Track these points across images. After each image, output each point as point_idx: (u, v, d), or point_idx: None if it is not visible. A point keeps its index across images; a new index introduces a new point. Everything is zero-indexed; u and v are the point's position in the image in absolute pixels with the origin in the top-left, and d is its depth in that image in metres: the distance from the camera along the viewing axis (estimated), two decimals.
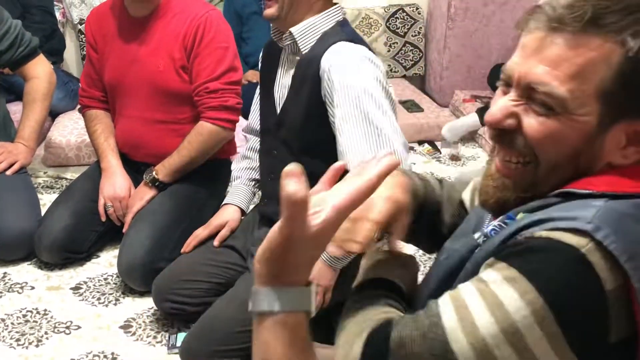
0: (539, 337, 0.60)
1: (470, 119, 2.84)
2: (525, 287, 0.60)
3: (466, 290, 0.64)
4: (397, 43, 3.42)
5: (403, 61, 3.46)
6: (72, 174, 2.40)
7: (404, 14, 3.40)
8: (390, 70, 3.44)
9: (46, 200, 2.14)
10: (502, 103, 0.69)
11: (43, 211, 1.95)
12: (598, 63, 0.64)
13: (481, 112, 2.84)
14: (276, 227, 0.56)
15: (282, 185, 0.54)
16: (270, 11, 1.39)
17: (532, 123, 0.67)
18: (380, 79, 1.37)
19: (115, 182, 1.88)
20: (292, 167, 0.54)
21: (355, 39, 1.41)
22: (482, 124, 2.82)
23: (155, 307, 1.67)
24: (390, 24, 3.39)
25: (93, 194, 1.89)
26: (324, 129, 1.41)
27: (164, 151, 1.87)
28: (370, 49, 1.41)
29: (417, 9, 3.40)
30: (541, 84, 0.65)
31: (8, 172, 1.98)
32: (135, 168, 1.93)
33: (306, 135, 1.46)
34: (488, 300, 0.61)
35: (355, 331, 0.70)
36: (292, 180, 0.53)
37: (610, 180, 0.66)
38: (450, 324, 0.62)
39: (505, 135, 0.70)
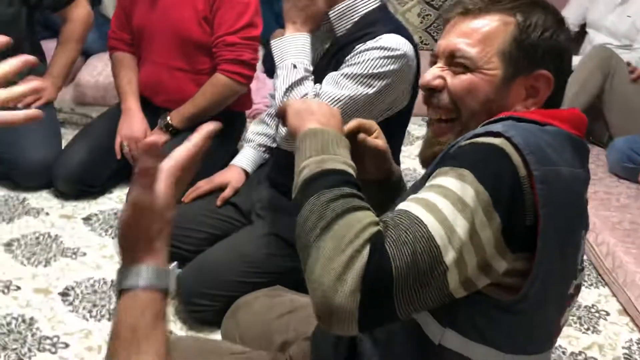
0: (483, 221, 0.72)
1: None
2: (470, 178, 0.73)
3: (428, 195, 0.75)
4: (430, 15, 3.40)
5: (435, 34, 3.43)
6: (97, 114, 2.50)
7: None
8: (421, 42, 3.42)
9: (70, 135, 2.24)
10: (432, 70, 0.91)
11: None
12: (497, 31, 0.86)
13: None
14: (127, 201, 0.61)
15: (139, 158, 0.58)
16: None
17: (454, 81, 0.87)
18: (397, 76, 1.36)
19: (133, 123, 1.97)
20: (151, 140, 0.59)
21: (399, 28, 1.40)
22: None
23: None
24: None
25: (111, 133, 1.99)
26: None
27: (183, 98, 1.95)
28: (412, 40, 1.40)
29: None
30: (457, 50, 0.87)
31: (34, 105, 2.08)
32: (154, 112, 2.02)
33: None
34: (450, 197, 0.73)
35: (346, 238, 0.71)
36: (147, 154, 0.58)
37: (513, 113, 0.84)
38: (431, 224, 0.71)
39: (434, 96, 0.90)
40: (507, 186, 0.73)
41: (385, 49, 1.35)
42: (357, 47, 1.37)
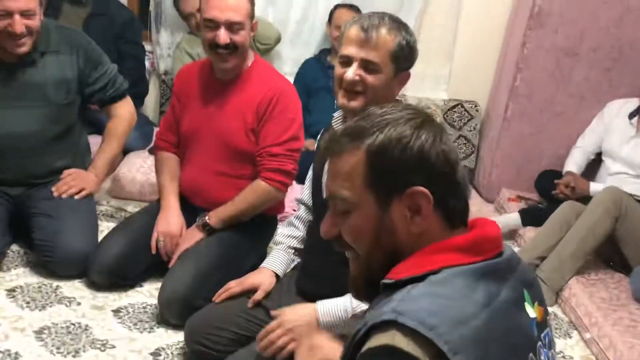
0: None
1: (512, 218, 2.91)
2: None
3: None
4: (451, 134, 3.56)
5: None
6: (132, 208, 2.59)
7: (462, 109, 3.56)
8: None
9: (104, 227, 2.32)
10: (325, 220, 0.92)
11: (100, 236, 2.13)
12: (354, 165, 0.85)
13: (524, 213, 2.91)
14: None
15: None
16: (354, 104, 1.42)
17: (343, 229, 0.88)
18: None
19: (170, 220, 2.04)
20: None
21: None
22: (524, 224, 2.89)
23: (184, 342, 1.77)
24: (447, 116, 3.55)
25: (149, 228, 2.05)
26: None
27: (221, 200, 2.03)
28: None
29: (475, 106, 3.55)
30: (334, 194, 0.87)
31: (76, 197, 2.17)
32: (191, 211, 2.10)
33: None
34: None
35: None
36: None
37: (410, 265, 0.82)
38: None
39: (339, 242, 0.91)
40: None
41: None
42: None
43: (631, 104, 2.90)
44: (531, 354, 0.80)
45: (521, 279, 0.85)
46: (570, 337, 2.23)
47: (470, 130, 3.56)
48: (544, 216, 2.68)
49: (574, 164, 3.04)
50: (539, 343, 0.83)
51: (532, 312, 0.84)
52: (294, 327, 1.49)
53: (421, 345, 0.71)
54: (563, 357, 2.09)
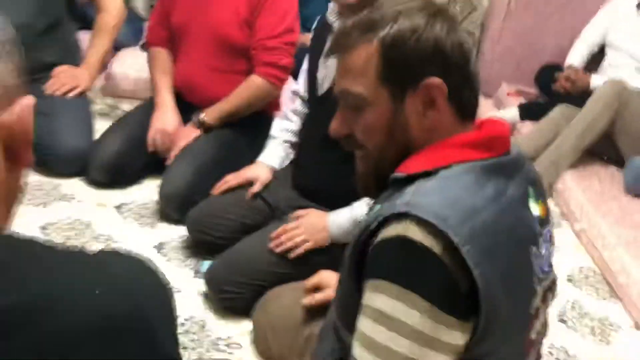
0: (425, 320, 0.73)
1: (510, 113, 2.90)
2: (395, 290, 0.74)
3: (365, 326, 0.77)
4: None
5: None
6: (126, 106, 2.56)
7: (465, 0, 3.43)
8: None
9: (100, 126, 2.29)
10: (335, 119, 0.90)
11: (96, 135, 2.12)
12: (367, 59, 0.83)
13: (522, 108, 2.90)
14: None
15: None
16: None
17: (354, 126, 0.87)
18: None
19: (166, 118, 2.03)
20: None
21: None
22: (521, 119, 2.88)
23: (186, 236, 1.82)
24: (450, 7, 3.43)
25: (145, 125, 2.04)
26: None
27: (216, 97, 2.01)
28: None
29: None
30: (345, 90, 0.86)
31: (70, 95, 2.15)
32: (187, 108, 2.07)
33: None
34: (385, 322, 0.74)
35: None
36: None
37: (421, 160, 0.83)
38: None
39: (348, 141, 0.90)
40: (426, 273, 0.73)
41: None
42: None
43: None
44: (534, 247, 0.83)
45: (526, 177, 0.87)
46: (561, 227, 2.30)
47: (472, 23, 3.45)
48: (542, 111, 2.67)
49: (576, 57, 2.98)
50: (541, 238, 0.86)
51: (535, 209, 0.86)
52: (311, 231, 1.56)
53: (433, 236, 0.73)
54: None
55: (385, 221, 0.77)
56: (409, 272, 0.74)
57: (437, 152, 0.83)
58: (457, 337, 0.74)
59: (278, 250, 1.57)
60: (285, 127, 1.83)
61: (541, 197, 0.89)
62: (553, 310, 1.81)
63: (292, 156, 1.85)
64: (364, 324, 0.77)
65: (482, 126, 0.88)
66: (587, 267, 2.07)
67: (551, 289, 0.91)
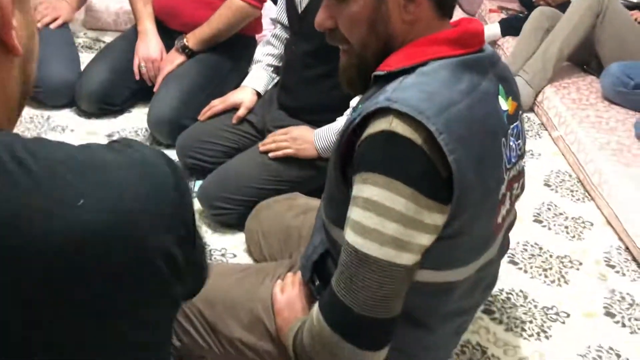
0: (410, 206, 0.80)
1: (492, 30, 2.92)
2: (381, 180, 0.80)
3: (356, 214, 0.83)
4: None
5: None
6: (109, 38, 2.56)
7: None
8: None
9: (84, 59, 2.32)
10: (320, 11, 0.93)
11: (82, 68, 2.15)
12: None
13: (503, 22, 2.91)
14: None
15: None
16: None
17: (340, 18, 0.90)
18: None
19: (150, 45, 2.06)
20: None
21: None
22: (503, 34, 2.90)
23: (177, 160, 1.89)
24: None
25: (129, 54, 2.08)
26: None
27: (196, 21, 2.03)
28: None
29: None
30: None
31: (52, 26, 2.16)
32: (169, 35, 2.10)
33: (323, 41, 1.60)
34: (373, 209, 0.81)
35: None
36: None
37: (401, 57, 0.88)
38: (362, 247, 0.82)
39: (332, 35, 0.94)
40: (409, 161, 0.79)
41: None
42: None
43: None
44: (503, 139, 0.90)
45: (498, 74, 0.92)
46: (540, 137, 2.38)
47: None
48: (523, 25, 2.69)
49: None
50: (509, 131, 0.92)
51: (504, 104, 0.92)
52: (297, 139, 1.63)
53: (414, 128, 0.79)
54: (532, 154, 2.25)
55: (370, 117, 0.83)
56: (394, 163, 0.80)
57: (415, 49, 0.87)
58: (437, 219, 0.82)
59: (261, 149, 1.65)
60: (267, 52, 1.86)
61: (511, 94, 0.95)
62: (529, 212, 1.91)
63: (275, 80, 1.89)
64: (355, 213, 0.83)
65: (458, 24, 0.92)
66: (563, 172, 2.16)
67: (516, 178, 0.98)
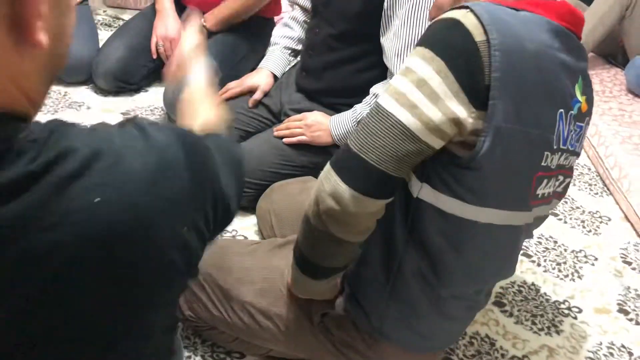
0: (439, 82, 0.84)
1: None
2: (427, 54, 0.85)
3: (395, 79, 0.88)
4: None
5: None
6: (128, 16, 2.57)
7: None
8: None
9: (103, 36, 2.32)
10: None
11: (100, 45, 2.15)
12: None
13: None
14: None
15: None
16: None
17: None
18: None
19: (168, 24, 2.05)
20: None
21: None
22: None
23: None
24: None
25: (147, 32, 2.07)
26: (370, 22, 1.52)
27: (214, 1, 2.01)
28: None
29: None
30: None
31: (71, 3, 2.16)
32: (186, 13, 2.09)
33: (351, 23, 1.58)
34: (410, 77, 0.86)
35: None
36: None
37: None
38: (384, 102, 0.87)
39: None
40: (459, 49, 0.83)
41: None
42: None
43: None
44: (563, 111, 0.91)
45: (582, 69, 0.95)
46: None
47: None
48: None
49: None
50: (573, 122, 0.93)
51: (579, 96, 0.94)
52: (312, 125, 1.62)
53: (481, 31, 0.83)
54: None
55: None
56: (447, 45, 0.84)
57: (513, 2, 0.90)
58: (463, 112, 0.84)
59: (275, 134, 1.64)
60: (285, 34, 1.84)
61: (586, 94, 0.97)
62: None
63: (293, 63, 1.87)
64: (394, 78, 0.88)
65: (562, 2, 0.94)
66: (582, 165, 2.12)
67: (565, 170, 0.99)
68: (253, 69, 1.89)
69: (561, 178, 0.99)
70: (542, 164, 0.91)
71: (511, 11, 0.87)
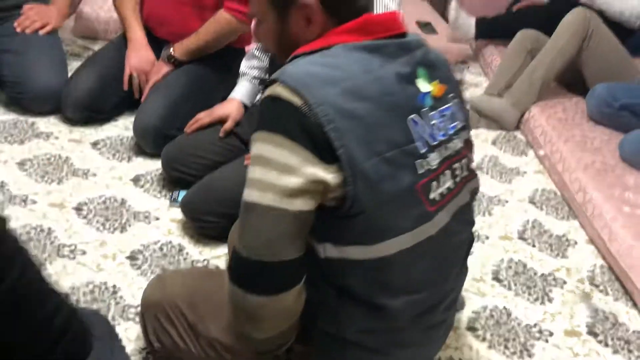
0: (287, 155, 0.87)
1: (470, 22, 2.95)
2: (264, 135, 0.89)
3: (249, 171, 0.91)
4: None
5: None
6: (98, 46, 2.55)
7: None
8: None
9: (72, 66, 2.30)
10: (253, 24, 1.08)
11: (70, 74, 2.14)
12: None
13: (480, 21, 2.94)
14: None
15: None
16: None
17: (258, 33, 1.07)
18: None
19: (142, 55, 2.05)
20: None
21: None
22: (477, 37, 2.95)
23: (162, 169, 1.88)
24: None
25: (117, 62, 2.07)
26: None
27: (185, 32, 2.02)
28: None
29: None
30: (251, 12, 1.07)
31: (41, 32, 2.14)
32: (156, 43, 2.09)
33: None
34: (259, 162, 0.89)
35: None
36: None
37: (307, 47, 0.97)
38: (248, 196, 0.91)
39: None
40: (289, 119, 0.87)
41: None
42: None
43: None
44: (414, 116, 0.95)
45: (419, 59, 0.98)
46: (527, 155, 2.39)
47: None
48: (499, 26, 2.74)
49: None
50: (432, 112, 0.97)
51: (426, 86, 0.97)
52: None
53: (296, 95, 0.87)
54: (517, 172, 2.26)
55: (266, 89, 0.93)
56: (275, 120, 0.88)
57: (321, 40, 0.97)
58: (320, 172, 0.87)
59: (247, 162, 1.63)
60: (253, 65, 1.86)
61: (438, 78, 1.00)
62: (514, 229, 1.92)
63: (262, 92, 1.88)
64: (248, 170, 0.91)
65: (363, 15, 0.98)
66: (548, 190, 2.17)
67: (454, 158, 1.01)
68: (223, 99, 1.90)
69: (456, 165, 1.02)
70: (419, 172, 0.94)
71: (319, 59, 0.92)
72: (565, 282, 1.72)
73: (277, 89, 0.89)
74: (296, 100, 0.87)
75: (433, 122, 0.97)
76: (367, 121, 0.89)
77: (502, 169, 2.26)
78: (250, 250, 0.89)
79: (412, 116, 0.94)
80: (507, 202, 2.06)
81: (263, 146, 0.88)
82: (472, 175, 1.09)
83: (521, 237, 1.89)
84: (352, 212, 0.89)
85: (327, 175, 0.87)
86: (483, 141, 2.45)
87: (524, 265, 1.76)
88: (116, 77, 2.05)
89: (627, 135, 2.17)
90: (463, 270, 1.15)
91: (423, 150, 0.95)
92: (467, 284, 1.61)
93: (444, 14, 3.51)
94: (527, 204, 2.07)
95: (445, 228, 1.01)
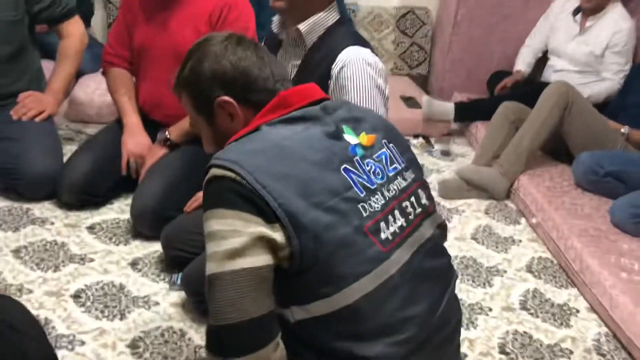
0: (230, 222, 0.93)
1: (445, 106, 3.05)
2: (213, 213, 0.96)
3: (206, 249, 0.97)
4: (404, 42, 3.62)
5: (409, 60, 3.65)
6: (91, 130, 2.59)
7: (414, 16, 3.59)
8: (396, 67, 3.63)
9: (66, 150, 2.32)
10: None
11: (64, 159, 2.14)
12: (186, 102, 1.15)
13: (459, 105, 3.06)
14: None
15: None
16: (279, 4, 1.48)
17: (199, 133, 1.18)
18: (378, 81, 1.50)
19: (139, 140, 2.07)
20: None
21: (361, 41, 1.53)
22: (455, 119, 3.05)
23: (160, 251, 1.86)
24: (400, 24, 3.58)
25: (113, 145, 2.09)
26: None
27: (181, 113, 2.05)
28: (372, 50, 1.53)
29: (426, 12, 3.59)
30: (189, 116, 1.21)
31: (37, 119, 2.17)
32: (153, 127, 2.12)
33: None
34: (213, 237, 0.95)
35: None
36: None
37: (238, 134, 1.06)
38: (208, 271, 0.96)
39: None
40: (227, 191, 0.94)
41: (370, 65, 1.48)
42: (333, 68, 1.50)
43: (574, 0, 3.00)
44: (347, 164, 1.02)
45: (341, 118, 1.07)
46: (519, 224, 2.42)
47: (423, 37, 3.61)
48: (478, 108, 2.85)
49: (522, 62, 3.19)
50: (366, 159, 1.05)
51: (353, 139, 1.06)
52: None
53: (228, 171, 0.95)
54: (513, 241, 2.28)
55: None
56: (215, 196, 0.96)
57: (248, 127, 1.06)
58: (266, 231, 0.92)
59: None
60: None
61: (365, 130, 1.09)
62: (516, 299, 1.91)
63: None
64: (206, 249, 0.96)
65: (278, 94, 1.08)
66: (544, 258, 2.19)
67: (399, 197, 1.06)
68: None
69: (405, 204, 1.07)
70: (365, 215, 0.99)
71: (245, 140, 1.02)
72: (572, 352, 1.71)
73: (212, 171, 0.96)
74: (229, 174, 0.94)
75: (369, 168, 1.05)
76: (301, 178, 0.96)
77: (497, 239, 2.28)
78: (218, 316, 0.92)
79: (345, 165, 1.02)
80: (505, 272, 2.07)
81: (210, 223, 0.95)
82: (429, 210, 1.13)
83: (523, 308, 1.88)
84: (304, 267, 0.93)
85: (274, 233, 0.93)
86: (475, 210, 2.48)
87: (530, 337, 1.75)
88: (111, 160, 2.06)
89: (616, 201, 2.21)
90: (454, 301, 1.15)
91: (362, 195, 1.00)
92: (474, 359, 1.59)
93: (425, 88, 3.64)
94: (525, 273, 2.08)
95: (408, 264, 1.03)
